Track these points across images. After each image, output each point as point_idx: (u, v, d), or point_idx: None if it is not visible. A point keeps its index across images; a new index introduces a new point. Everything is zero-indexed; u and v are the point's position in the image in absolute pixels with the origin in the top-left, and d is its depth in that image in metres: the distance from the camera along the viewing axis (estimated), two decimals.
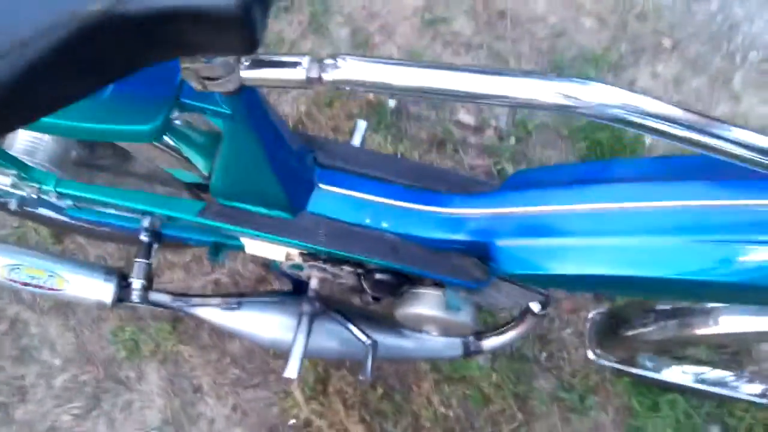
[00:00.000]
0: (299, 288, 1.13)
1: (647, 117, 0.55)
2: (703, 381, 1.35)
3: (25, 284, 0.99)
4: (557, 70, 1.69)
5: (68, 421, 1.27)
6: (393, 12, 1.70)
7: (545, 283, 0.85)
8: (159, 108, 0.66)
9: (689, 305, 1.01)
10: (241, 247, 1.02)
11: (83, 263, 1.02)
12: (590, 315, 1.21)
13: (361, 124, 1.12)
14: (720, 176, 0.69)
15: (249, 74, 0.59)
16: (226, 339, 1.34)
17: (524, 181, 0.83)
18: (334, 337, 1.10)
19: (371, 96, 1.60)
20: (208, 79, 0.59)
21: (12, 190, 0.93)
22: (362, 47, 1.66)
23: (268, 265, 1.20)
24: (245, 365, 1.32)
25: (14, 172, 0.89)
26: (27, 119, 0.51)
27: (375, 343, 1.07)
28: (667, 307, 1.04)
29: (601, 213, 0.74)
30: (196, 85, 0.60)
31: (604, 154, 1.59)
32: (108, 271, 1.02)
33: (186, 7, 0.45)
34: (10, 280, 0.99)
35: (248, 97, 0.67)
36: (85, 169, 1.08)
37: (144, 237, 0.98)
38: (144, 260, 0.99)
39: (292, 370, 1.00)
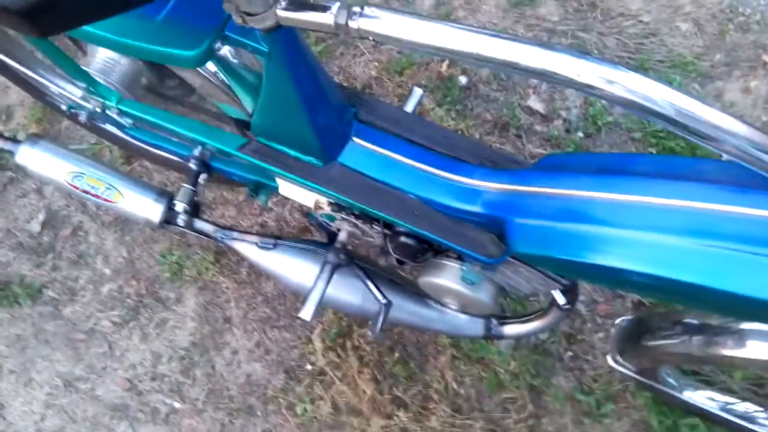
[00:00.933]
0: (334, 241, 1.16)
1: (687, 118, 0.54)
2: (729, 411, 1.29)
3: (85, 192, 1.07)
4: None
5: (107, 327, 1.37)
6: None
7: (555, 267, 0.84)
8: (203, 37, 0.71)
9: (719, 323, 0.97)
10: (277, 191, 1.07)
11: (140, 182, 1.09)
12: (617, 321, 1.18)
13: (417, 92, 1.14)
14: (758, 185, 0.67)
15: (283, 13, 0.62)
16: (263, 278, 1.40)
17: (554, 164, 0.82)
18: (354, 291, 1.13)
19: (443, 69, 1.60)
20: (248, 14, 0.62)
21: (81, 102, 1.01)
22: (443, 19, 1.66)
23: (307, 214, 1.24)
24: (276, 306, 1.38)
25: (84, 85, 0.96)
26: (80, 20, 0.56)
27: (389, 304, 1.09)
28: (696, 321, 1.00)
29: (625, 204, 0.72)
30: (236, 18, 0.63)
31: None
32: (161, 193, 1.09)
33: None
34: (72, 185, 1.07)
35: (286, 38, 0.69)
36: (152, 96, 1.15)
37: (193, 165, 1.03)
38: (190, 186, 1.05)
39: (307, 313, 1.04)
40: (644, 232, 0.70)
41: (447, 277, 1.00)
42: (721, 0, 1.69)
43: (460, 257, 0.99)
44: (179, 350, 1.35)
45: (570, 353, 1.38)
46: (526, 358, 1.36)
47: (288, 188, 0.98)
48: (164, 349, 1.35)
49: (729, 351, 0.94)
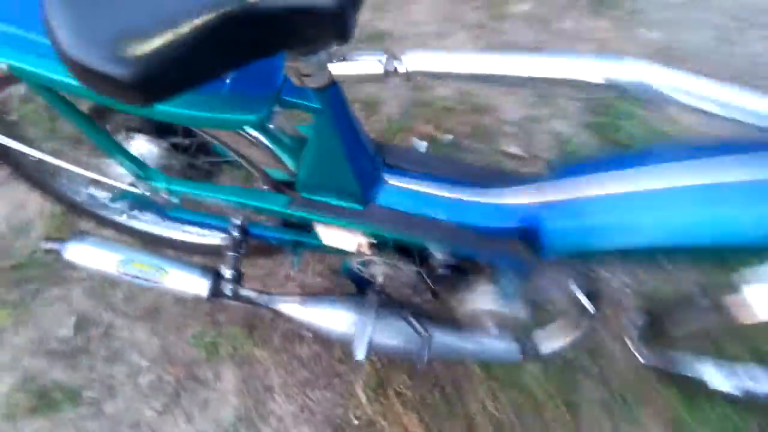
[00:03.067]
0: (364, 291, 1.25)
1: (688, 94, 0.66)
2: (748, 392, 1.38)
3: (135, 277, 1.14)
4: (599, 107, 1.82)
5: (151, 417, 1.39)
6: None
7: (586, 259, 0.93)
8: (264, 101, 0.82)
9: (719, 293, 1.08)
10: (316, 246, 1.16)
11: (184, 261, 1.17)
12: (634, 323, 1.28)
13: (422, 144, 1.27)
14: (739, 155, 0.80)
15: (336, 69, 0.74)
16: (296, 343, 1.46)
17: (569, 170, 0.94)
18: (396, 332, 1.20)
19: (431, 130, 1.75)
20: (305, 75, 0.75)
21: (129, 189, 1.10)
22: (421, 89, 1.83)
23: (337, 271, 1.32)
24: (313, 368, 1.43)
25: (135, 170, 1.06)
26: (180, 88, 0.67)
27: (431, 336, 1.17)
28: (699, 297, 1.11)
29: (638, 193, 0.84)
30: (295, 80, 0.75)
31: None
32: (205, 269, 1.16)
33: (300, 4, 0.61)
34: (122, 273, 1.14)
35: (334, 94, 0.82)
36: (185, 174, 1.25)
37: (234, 233, 1.12)
38: (234, 253, 1.13)
39: (360, 352, 1.11)
40: (656, 211, 0.83)
41: (484, 300, 1.09)
42: None
43: (493, 281, 1.08)
44: (226, 426, 1.37)
45: (596, 367, 1.46)
46: (557, 377, 1.43)
47: (330, 236, 1.08)
48: (211, 428, 1.37)
49: (735, 311, 1.04)
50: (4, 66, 0.80)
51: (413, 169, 1.02)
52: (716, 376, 1.35)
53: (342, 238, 1.07)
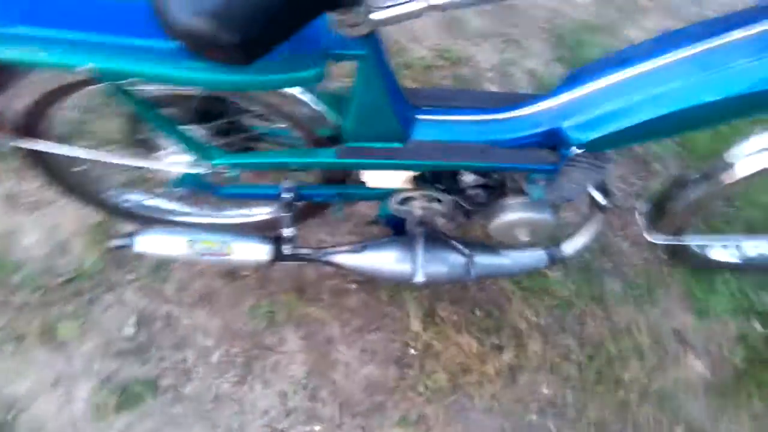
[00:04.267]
0: (403, 231, 1.39)
1: None
2: (747, 257, 1.58)
3: (203, 255, 1.26)
4: (561, 39, 2.00)
5: (229, 389, 1.51)
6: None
7: (608, 144, 1.08)
8: (318, 58, 0.95)
9: (710, 167, 1.26)
10: (356, 194, 1.30)
11: (242, 233, 1.29)
12: (638, 210, 1.46)
13: None
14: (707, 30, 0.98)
15: (377, 16, 0.88)
16: (344, 296, 1.59)
17: (573, 78, 1.10)
18: (442, 259, 1.35)
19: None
20: (351, 26, 0.88)
21: (189, 170, 1.20)
22: (400, 54, 1.98)
23: (371, 222, 1.47)
24: (364, 314, 1.57)
25: (197, 151, 1.16)
26: (272, 45, 0.81)
27: (472, 254, 1.32)
28: (696, 174, 1.29)
29: (633, 77, 1.01)
30: (343, 32, 0.89)
31: None
32: (263, 236, 1.29)
33: None
34: (193, 252, 1.26)
35: (376, 40, 0.95)
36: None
37: (286, 195, 1.25)
38: (289, 214, 1.26)
39: (419, 276, 1.26)
40: (651, 88, 1.00)
41: (514, 210, 1.25)
42: None
43: (520, 192, 1.24)
44: (300, 382, 1.50)
45: (610, 264, 1.65)
46: (578, 278, 1.61)
47: (375, 177, 1.21)
48: (287, 386, 1.50)
49: (728, 179, 1.23)
50: (89, 67, 0.91)
51: (438, 104, 1.16)
52: (717, 249, 1.54)
53: (386, 177, 1.21)
